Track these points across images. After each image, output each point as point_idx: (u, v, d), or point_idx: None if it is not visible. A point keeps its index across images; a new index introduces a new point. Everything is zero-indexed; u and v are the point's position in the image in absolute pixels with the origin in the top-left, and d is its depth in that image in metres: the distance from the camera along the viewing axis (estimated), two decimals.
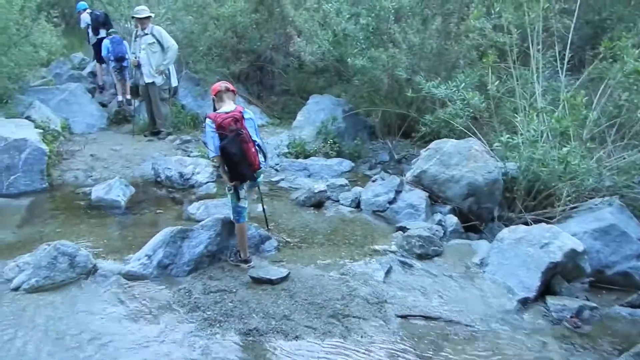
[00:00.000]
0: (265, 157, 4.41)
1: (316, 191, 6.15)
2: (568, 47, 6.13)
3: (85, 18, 10.59)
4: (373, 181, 6.53)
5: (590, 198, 5.66)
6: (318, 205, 6.13)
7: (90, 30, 10.44)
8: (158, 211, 5.98)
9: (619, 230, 4.94)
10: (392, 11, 7.64)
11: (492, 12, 6.46)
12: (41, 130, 7.26)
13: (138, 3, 9.15)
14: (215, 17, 9.54)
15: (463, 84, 6.08)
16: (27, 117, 7.66)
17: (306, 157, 8.08)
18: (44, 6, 9.86)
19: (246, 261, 4.45)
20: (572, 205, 5.60)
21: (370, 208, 6.02)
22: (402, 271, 4.56)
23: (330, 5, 8.24)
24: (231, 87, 4.37)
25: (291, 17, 8.95)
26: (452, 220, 5.53)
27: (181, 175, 6.90)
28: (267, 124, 9.62)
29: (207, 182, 6.88)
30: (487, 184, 5.66)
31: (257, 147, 4.25)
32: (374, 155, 8.68)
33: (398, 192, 6.03)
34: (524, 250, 4.51)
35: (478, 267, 4.64)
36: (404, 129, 8.92)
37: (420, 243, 4.84)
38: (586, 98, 5.34)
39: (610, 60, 5.72)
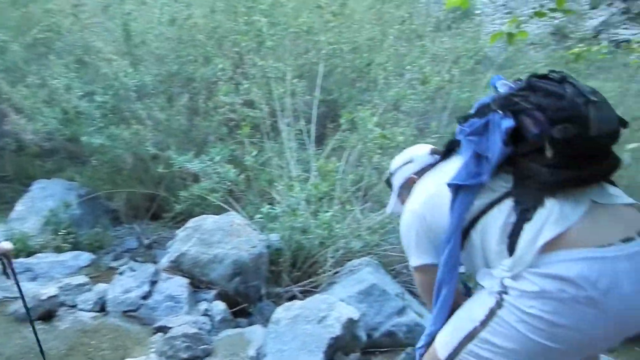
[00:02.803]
0: None
1: (43, 298, 4.77)
2: (313, 122, 6.50)
3: None
4: (120, 274, 5.49)
5: (348, 260, 5.77)
6: (48, 316, 4.76)
7: None
8: None
9: (380, 289, 4.96)
10: (135, 88, 7.02)
11: (239, 89, 6.51)
12: None
13: None
14: None
15: (219, 157, 5.78)
16: None
17: (29, 254, 6.46)
18: None
19: None
20: (334, 271, 5.59)
21: (119, 309, 4.91)
22: None
23: (57, 81, 7.11)
24: None
25: (6, 93, 7.43)
26: (220, 307, 4.86)
27: None
28: None
29: None
30: (252, 259, 5.25)
31: None
32: (120, 242, 7.50)
33: (153, 282, 5.12)
34: (301, 329, 4.09)
35: None
36: (153, 210, 8.07)
37: (186, 344, 4.00)
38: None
39: (349, 130, 6.18)
